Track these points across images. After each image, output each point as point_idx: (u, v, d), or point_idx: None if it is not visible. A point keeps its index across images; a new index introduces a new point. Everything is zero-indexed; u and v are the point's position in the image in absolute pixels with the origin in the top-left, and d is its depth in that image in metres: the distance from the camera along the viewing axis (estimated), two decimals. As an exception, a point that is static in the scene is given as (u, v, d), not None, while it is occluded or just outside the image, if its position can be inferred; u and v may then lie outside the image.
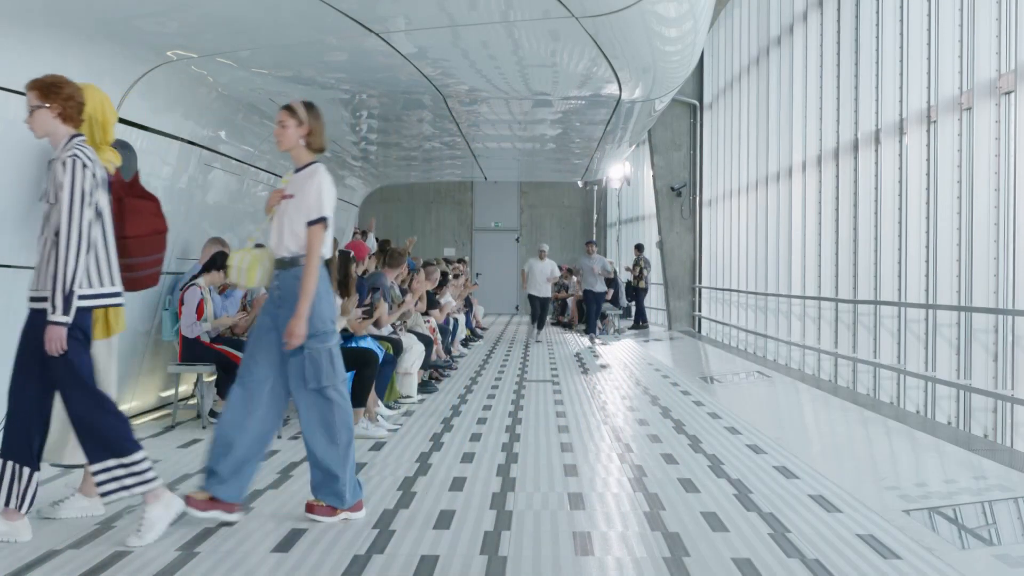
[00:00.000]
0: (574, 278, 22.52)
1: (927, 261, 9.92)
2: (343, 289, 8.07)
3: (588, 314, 18.60)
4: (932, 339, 9.71)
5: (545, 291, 18.60)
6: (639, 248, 22.22)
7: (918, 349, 10.11)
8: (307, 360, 5.16)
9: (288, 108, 5.27)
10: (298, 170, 5.31)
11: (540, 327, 18.75)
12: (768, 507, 5.55)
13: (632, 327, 21.94)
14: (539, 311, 18.71)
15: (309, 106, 5.30)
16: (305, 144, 5.28)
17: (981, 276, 8.71)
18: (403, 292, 10.66)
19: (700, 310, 20.77)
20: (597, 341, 18.07)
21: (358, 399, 7.78)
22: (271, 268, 5.31)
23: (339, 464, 5.20)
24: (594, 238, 30.46)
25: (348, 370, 7.91)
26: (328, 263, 5.42)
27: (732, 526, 5.16)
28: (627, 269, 22.69)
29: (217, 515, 5.11)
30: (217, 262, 8.42)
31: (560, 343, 18.52)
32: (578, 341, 18.87)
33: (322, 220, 5.17)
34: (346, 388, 5.38)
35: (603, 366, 13.91)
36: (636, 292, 22.17)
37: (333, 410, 5.21)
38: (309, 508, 5.27)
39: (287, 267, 5.23)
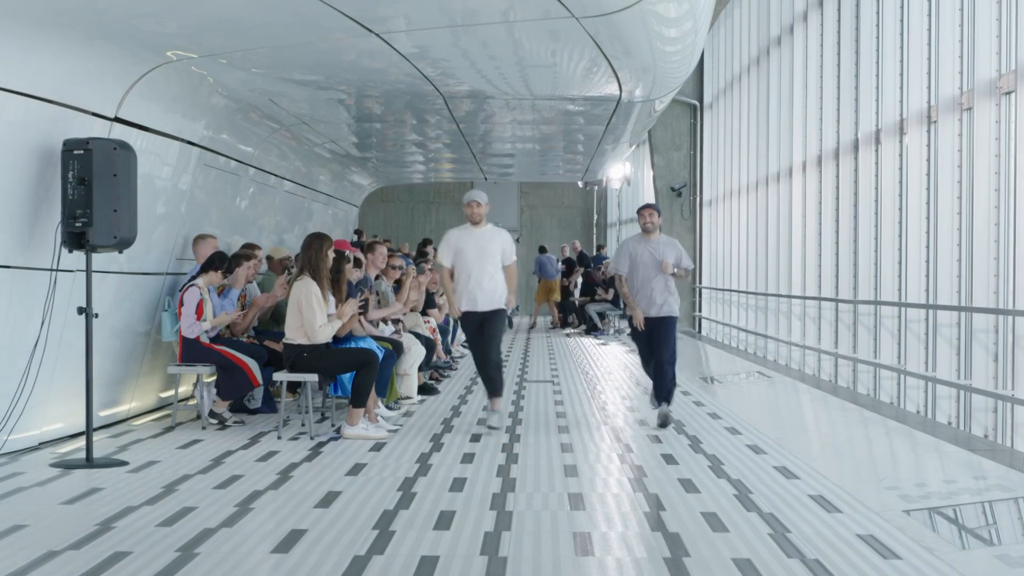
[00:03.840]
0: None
1: (927, 261, 9.92)
2: (334, 287, 8.03)
3: (657, 370, 8.56)
4: (932, 339, 9.71)
5: (493, 298, 8.38)
6: None
7: (918, 349, 10.11)
8: None
9: None
10: None
11: (493, 388, 8.49)
12: (768, 507, 5.55)
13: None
14: (482, 348, 8.49)
15: None
16: None
17: (981, 276, 8.71)
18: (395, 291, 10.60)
19: (700, 310, 20.77)
20: (667, 412, 8.44)
21: (358, 399, 7.78)
22: None
23: None
24: (597, 235, 30.18)
25: (348, 370, 7.91)
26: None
27: (732, 526, 5.16)
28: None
29: None
30: (215, 262, 8.43)
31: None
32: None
33: None
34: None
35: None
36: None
37: None
38: None
39: None
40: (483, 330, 8.48)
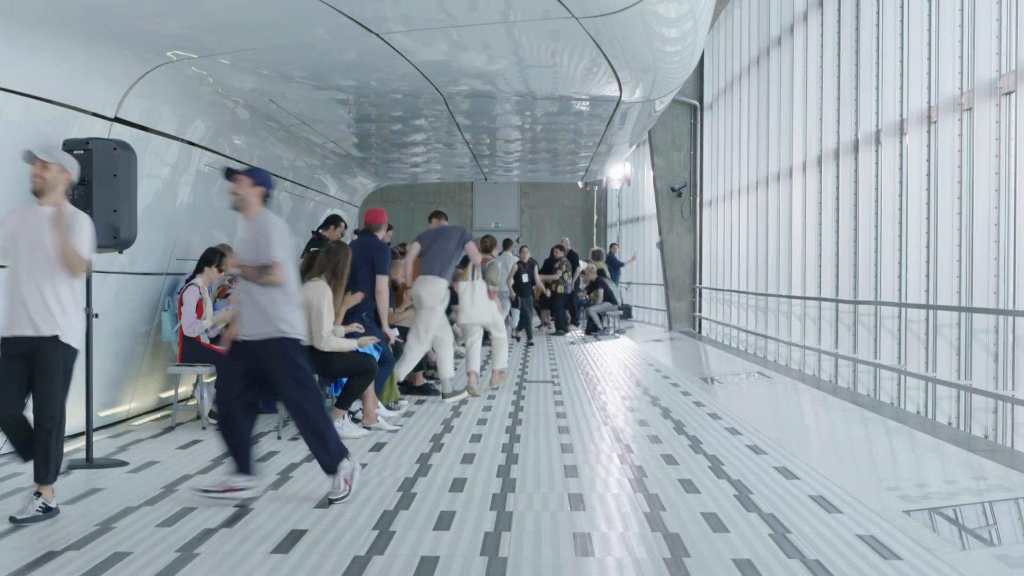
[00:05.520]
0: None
1: (927, 261, 9.92)
2: (335, 292, 7.99)
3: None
4: (932, 340, 9.71)
5: (47, 318, 5.26)
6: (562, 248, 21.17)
7: (918, 350, 10.10)
8: None
9: None
10: None
11: (41, 473, 5.31)
12: (768, 508, 5.55)
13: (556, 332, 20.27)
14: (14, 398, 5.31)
15: None
16: None
17: (981, 276, 8.70)
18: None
19: (700, 311, 20.76)
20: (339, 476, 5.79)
21: (344, 402, 7.82)
22: None
23: None
24: (595, 240, 30.19)
25: (346, 375, 7.88)
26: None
27: (732, 527, 5.15)
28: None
29: None
30: (209, 259, 8.43)
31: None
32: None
33: None
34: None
35: None
36: (554, 297, 20.36)
37: None
38: None
39: None
40: (29, 369, 5.24)
